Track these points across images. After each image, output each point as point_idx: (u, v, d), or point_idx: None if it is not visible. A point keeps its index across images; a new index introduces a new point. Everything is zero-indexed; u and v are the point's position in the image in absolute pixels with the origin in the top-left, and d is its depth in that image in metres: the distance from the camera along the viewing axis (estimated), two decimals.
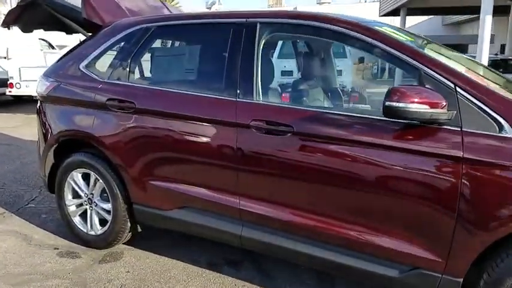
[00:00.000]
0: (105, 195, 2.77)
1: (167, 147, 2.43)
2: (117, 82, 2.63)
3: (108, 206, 2.76)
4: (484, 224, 1.71)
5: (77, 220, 2.95)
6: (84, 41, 3.00)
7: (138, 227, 2.79)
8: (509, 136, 1.68)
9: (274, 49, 5.88)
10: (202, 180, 2.36)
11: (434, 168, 1.78)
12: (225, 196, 2.29)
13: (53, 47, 10.55)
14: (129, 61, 2.62)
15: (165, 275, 2.59)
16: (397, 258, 1.91)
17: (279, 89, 2.56)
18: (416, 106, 1.68)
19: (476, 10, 9.48)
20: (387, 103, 1.71)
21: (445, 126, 1.77)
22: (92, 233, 2.87)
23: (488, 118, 1.72)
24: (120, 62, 2.66)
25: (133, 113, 2.50)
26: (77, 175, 2.86)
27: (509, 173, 1.65)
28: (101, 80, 2.68)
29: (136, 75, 2.68)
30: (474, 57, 8.00)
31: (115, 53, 2.74)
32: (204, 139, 2.31)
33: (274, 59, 2.47)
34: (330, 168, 1.95)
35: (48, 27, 3.43)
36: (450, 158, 1.74)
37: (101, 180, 2.73)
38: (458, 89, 1.79)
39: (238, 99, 2.20)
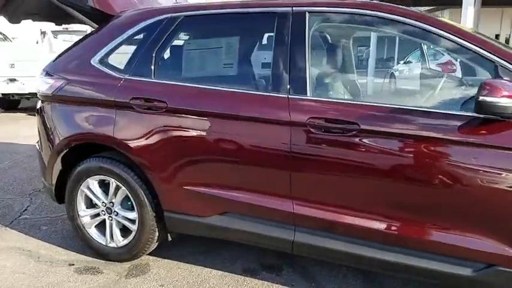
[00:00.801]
0: (129, 203, 2.53)
1: (207, 149, 2.23)
2: (141, 79, 2.38)
3: (132, 215, 2.52)
4: None
5: (92, 232, 2.69)
6: (91, 33, 2.69)
7: (169, 236, 2.57)
8: None
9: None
10: (249, 184, 2.19)
11: None
12: (276, 200, 2.13)
13: (7, 39, 9.68)
14: (153, 55, 2.36)
15: (203, 286, 2.40)
16: (471, 256, 1.85)
17: (334, 84, 2.41)
18: (507, 101, 1.60)
19: (454, 1, 9.63)
20: (481, 98, 1.62)
21: None
22: (113, 245, 2.62)
23: None
24: (143, 56, 2.39)
25: (165, 113, 2.27)
26: (92, 183, 2.58)
27: None
28: (120, 76, 2.41)
29: (163, 70, 2.43)
30: None
31: (134, 46, 2.48)
32: (251, 140, 2.13)
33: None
34: (404, 168, 1.85)
35: (41, 17, 3.07)
36: None
37: (123, 188, 2.48)
38: None
39: (290, 96, 2.04)
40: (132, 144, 2.36)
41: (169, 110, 2.25)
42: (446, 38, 1.86)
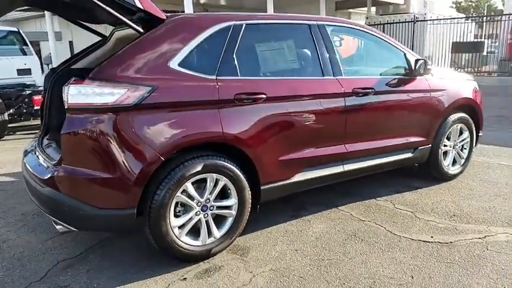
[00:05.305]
0: (229, 191, 2.75)
1: (295, 123, 2.93)
2: (234, 78, 2.70)
3: (229, 202, 2.77)
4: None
5: (186, 240, 2.66)
6: (143, 38, 2.52)
7: (258, 208, 2.97)
8: None
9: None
10: (320, 141, 3.10)
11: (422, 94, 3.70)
12: (335, 147, 3.21)
13: None
14: (233, 56, 2.72)
15: (290, 230, 3.09)
16: (411, 146, 3.71)
17: (351, 67, 3.49)
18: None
19: None
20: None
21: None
22: (211, 239, 2.73)
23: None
24: (225, 57, 2.69)
25: (263, 102, 2.77)
26: (188, 185, 2.58)
27: None
28: (211, 77, 2.61)
29: (245, 68, 2.77)
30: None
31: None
32: (321, 109, 3.06)
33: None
34: (392, 106, 3.47)
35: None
36: (426, 91, 3.73)
37: (224, 179, 2.69)
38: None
39: (338, 77, 3.16)
40: (241, 134, 2.68)
41: (267, 99, 2.79)
42: (378, 37, 3.59)
